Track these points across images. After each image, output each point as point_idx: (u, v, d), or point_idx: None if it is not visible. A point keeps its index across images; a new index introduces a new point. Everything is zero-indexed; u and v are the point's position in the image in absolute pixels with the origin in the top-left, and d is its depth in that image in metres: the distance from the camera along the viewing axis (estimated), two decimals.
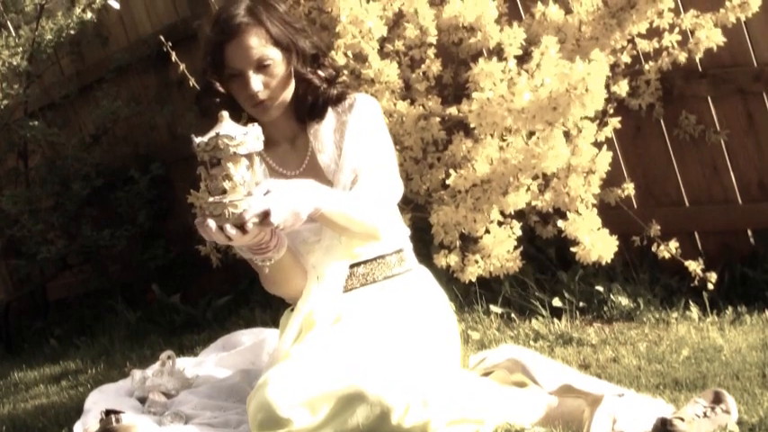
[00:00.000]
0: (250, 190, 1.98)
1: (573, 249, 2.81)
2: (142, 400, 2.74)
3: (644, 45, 3.21)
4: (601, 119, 3.07)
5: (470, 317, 3.27)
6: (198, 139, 1.98)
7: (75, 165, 4.53)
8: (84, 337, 4.28)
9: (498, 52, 2.91)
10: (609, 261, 2.83)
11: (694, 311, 3.16)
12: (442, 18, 2.98)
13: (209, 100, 2.31)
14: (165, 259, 4.54)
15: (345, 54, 2.93)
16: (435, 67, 3.08)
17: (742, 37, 3.27)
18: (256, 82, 2.27)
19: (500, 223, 2.84)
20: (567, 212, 2.84)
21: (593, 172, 2.86)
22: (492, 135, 2.75)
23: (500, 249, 2.83)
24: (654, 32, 3.14)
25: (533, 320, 3.21)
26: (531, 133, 2.69)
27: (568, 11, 3.05)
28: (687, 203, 3.51)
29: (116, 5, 4.19)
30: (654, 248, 3.21)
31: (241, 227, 1.97)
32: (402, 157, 2.98)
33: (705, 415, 2.12)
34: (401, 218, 2.52)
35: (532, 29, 3.00)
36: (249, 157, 1.99)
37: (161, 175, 4.52)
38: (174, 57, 3.06)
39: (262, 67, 2.27)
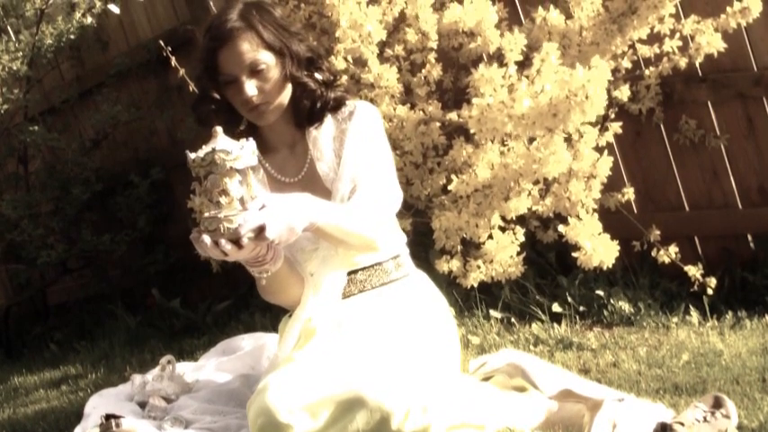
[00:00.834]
0: (245, 205, 1.97)
1: (574, 255, 2.81)
2: (142, 405, 2.74)
3: (645, 50, 3.21)
4: (602, 124, 3.07)
5: (470, 321, 3.27)
6: (193, 155, 1.97)
7: (76, 169, 4.53)
8: (84, 341, 4.28)
9: (499, 57, 2.91)
10: (610, 266, 2.83)
11: (694, 316, 3.16)
12: (442, 23, 2.98)
13: (205, 107, 2.31)
14: (165, 264, 4.54)
15: (345, 59, 2.93)
16: (436, 71, 3.08)
17: (742, 42, 3.27)
18: (250, 87, 2.26)
19: (502, 229, 2.84)
20: (568, 217, 2.84)
21: (593, 177, 2.85)
22: (492, 141, 2.75)
23: (503, 255, 2.82)
24: (655, 38, 3.14)
25: (533, 325, 3.21)
26: (533, 138, 2.68)
27: (569, 16, 3.05)
28: (687, 208, 3.50)
29: (116, 10, 4.20)
30: (654, 253, 3.22)
31: (236, 242, 1.96)
32: (402, 162, 2.97)
33: (705, 420, 2.12)
34: (398, 223, 2.51)
35: (533, 34, 2.99)
36: (243, 172, 1.98)
37: (161, 180, 4.52)
38: (173, 61, 3.06)
39: (255, 71, 2.25)
